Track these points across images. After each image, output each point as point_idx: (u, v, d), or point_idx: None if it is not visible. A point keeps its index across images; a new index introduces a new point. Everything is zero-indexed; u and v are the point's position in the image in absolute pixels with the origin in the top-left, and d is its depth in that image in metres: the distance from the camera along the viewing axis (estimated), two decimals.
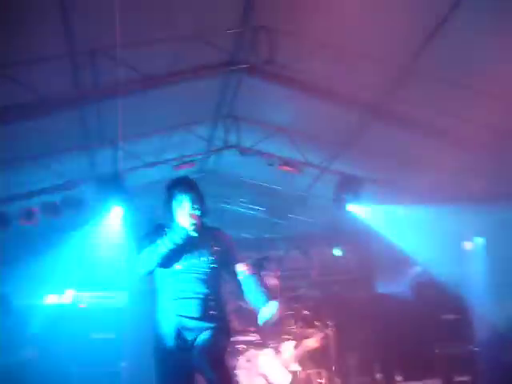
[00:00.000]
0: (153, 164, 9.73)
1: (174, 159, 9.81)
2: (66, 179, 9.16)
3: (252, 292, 4.13)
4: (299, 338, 8.32)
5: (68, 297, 9.53)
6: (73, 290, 9.30)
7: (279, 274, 9.61)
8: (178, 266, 4.01)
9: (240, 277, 4.16)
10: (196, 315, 3.92)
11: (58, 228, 9.80)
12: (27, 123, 7.51)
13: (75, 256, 9.89)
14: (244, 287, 4.15)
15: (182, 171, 9.43)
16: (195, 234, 3.95)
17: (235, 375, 7.96)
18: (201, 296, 3.97)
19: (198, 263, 4.02)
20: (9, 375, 7.42)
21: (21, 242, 9.87)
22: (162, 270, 4.05)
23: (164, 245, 3.91)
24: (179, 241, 3.92)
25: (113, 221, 9.56)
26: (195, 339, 3.89)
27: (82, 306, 8.64)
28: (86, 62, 6.90)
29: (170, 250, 3.93)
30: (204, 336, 3.88)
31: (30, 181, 8.98)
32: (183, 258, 4.03)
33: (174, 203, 4.10)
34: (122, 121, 8.10)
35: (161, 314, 4.03)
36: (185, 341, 3.90)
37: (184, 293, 3.96)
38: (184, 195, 4.08)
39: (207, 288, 4.00)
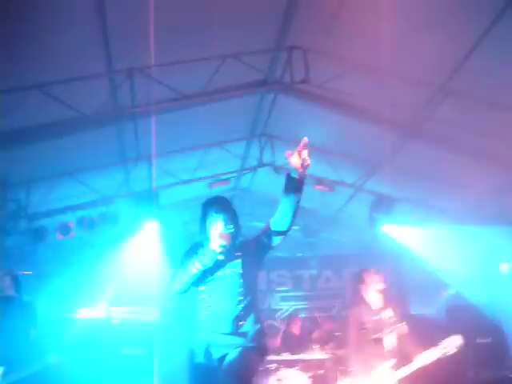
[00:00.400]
0: (187, 181, 9.81)
1: (208, 177, 9.87)
2: (102, 195, 9.31)
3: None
4: None
5: (101, 311, 9.62)
6: (106, 305, 9.39)
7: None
8: (209, 283, 4.03)
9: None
10: (227, 331, 3.91)
11: (94, 243, 9.93)
12: (66, 140, 7.68)
13: (109, 271, 9.99)
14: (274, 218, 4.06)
15: (217, 189, 9.50)
16: (222, 258, 3.95)
17: None
18: (231, 308, 3.96)
19: (228, 277, 4.03)
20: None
21: (57, 256, 10.03)
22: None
23: (194, 266, 3.93)
24: (209, 263, 3.93)
25: (147, 237, 9.65)
26: (224, 356, 3.87)
27: (115, 321, 8.69)
28: (124, 80, 7.05)
29: (201, 271, 3.95)
30: (233, 354, 3.84)
31: (67, 196, 9.15)
32: (214, 274, 4.04)
33: (208, 222, 4.11)
34: (158, 138, 8.26)
35: (194, 330, 4.04)
36: (211, 357, 3.88)
37: (215, 308, 3.97)
38: (218, 214, 4.09)
39: (237, 299, 3.99)
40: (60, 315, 8.95)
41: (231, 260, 4.06)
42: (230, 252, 4.02)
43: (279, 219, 4.00)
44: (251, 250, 4.14)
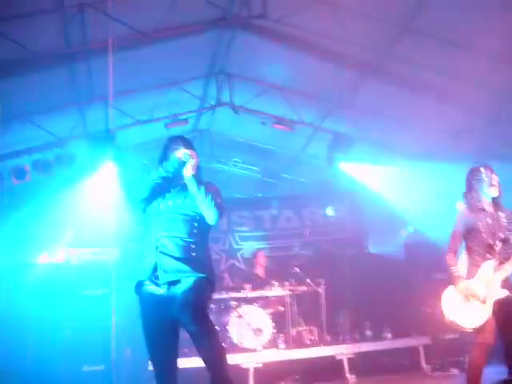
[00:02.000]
0: (145, 122, 9.63)
1: (166, 117, 9.70)
2: (57, 137, 9.08)
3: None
4: None
5: (60, 255, 9.55)
6: (65, 248, 9.30)
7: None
8: (162, 206, 4.07)
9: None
10: (175, 254, 3.92)
11: (50, 186, 9.76)
12: (16, 80, 7.41)
13: (67, 214, 9.86)
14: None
15: (175, 129, 9.36)
16: (187, 158, 4.00)
17: (226, 331, 8.06)
18: (183, 236, 3.98)
19: (182, 204, 4.06)
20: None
21: (13, 200, 9.84)
22: (151, 212, 4.09)
23: (158, 172, 4.06)
24: (171, 168, 4.04)
25: (104, 178, 9.51)
26: (173, 283, 3.87)
27: (74, 263, 8.64)
28: (75, 16, 6.78)
29: (162, 179, 4.05)
30: (185, 285, 3.85)
31: (20, 139, 8.91)
32: (170, 198, 4.09)
33: (169, 153, 4.14)
34: (113, 78, 8.04)
35: (145, 253, 4.05)
36: (157, 279, 3.89)
37: (167, 231, 3.99)
38: (180, 146, 4.14)
39: (190, 228, 4.01)
40: (18, 261, 8.85)
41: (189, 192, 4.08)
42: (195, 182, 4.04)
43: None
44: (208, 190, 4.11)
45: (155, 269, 3.92)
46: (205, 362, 3.82)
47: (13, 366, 7.54)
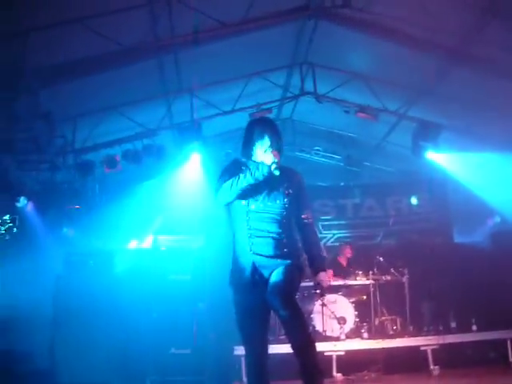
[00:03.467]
0: (229, 112, 9.81)
1: (250, 107, 9.84)
2: (145, 128, 9.41)
3: (308, 241, 4.18)
4: None
5: (148, 242, 9.90)
6: (153, 235, 9.63)
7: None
8: (252, 206, 4.07)
9: (302, 223, 4.19)
10: (270, 253, 3.99)
11: (140, 176, 10.13)
12: (107, 74, 7.74)
13: (156, 202, 10.20)
14: (302, 234, 4.20)
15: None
16: (277, 173, 3.97)
17: (310, 319, 8.14)
18: (274, 235, 4.02)
19: (272, 204, 4.07)
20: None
21: (105, 189, 10.28)
22: (238, 209, 4.12)
23: (246, 179, 3.99)
24: (261, 177, 3.98)
25: (191, 168, 9.78)
26: (270, 275, 3.95)
27: (163, 248, 8.95)
28: (163, 10, 7.00)
29: (250, 185, 4.00)
30: (276, 273, 3.93)
31: (112, 130, 9.30)
32: (258, 197, 4.08)
33: (255, 141, 4.13)
34: (199, 69, 8.26)
35: (237, 251, 4.12)
36: (261, 276, 3.97)
37: (258, 232, 4.03)
38: (266, 134, 4.11)
39: (280, 228, 4.05)
40: (110, 247, 9.22)
41: (277, 189, 4.11)
42: (279, 177, 4.03)
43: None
44: (295, 198, 4.17)
45: (255, 268, 4.00)
46: (294, 349, 3.84)
47: (103, 347, 7.89)
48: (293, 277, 4.00)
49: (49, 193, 9.02)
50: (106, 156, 9.22)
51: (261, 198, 4.09)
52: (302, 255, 4.19)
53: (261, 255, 4.00)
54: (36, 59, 6.67)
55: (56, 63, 7.02)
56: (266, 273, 3.98)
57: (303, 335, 3.87)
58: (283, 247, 4.03)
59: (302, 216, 4.20)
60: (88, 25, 6.61)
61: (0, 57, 6.33)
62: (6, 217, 6.22)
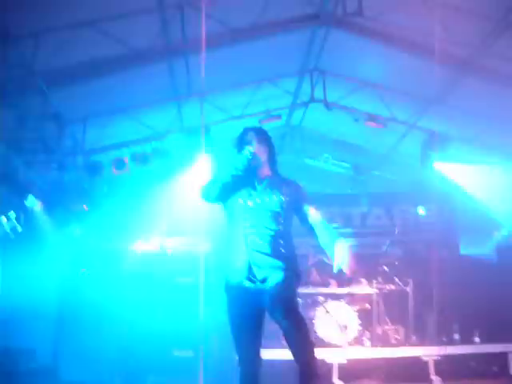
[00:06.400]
0: (239, 117, 9.85)
1: (260, 113, 9.87)
2: (155, 131, 9.47)
3: (323, 235, 4.17)
4: None
5: (155, 244, 9.93)
6: (160, 238, 9.66)
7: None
8: (249, 202, 4.12)
9: (311, 222, 4.21)
10: (266, 251, 3.99)
11: (148, 178, 10.16)
12: (118, 76, 7.80)
13: (163, 205, 10.23)
14: (316, 231, 4.20)
15: (268, 125, 9.50)
16: (250, 156, 4.09)
17: (313, 325, 8.13)
18: (272, 233, 4.04)
19: (270, 201, 4.12)
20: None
21: (113, 191, 10.34)
22: (236, 208, 4.16)
23: (226, 171, 4.12)
24: (240, 166, 4.08)
25: (199, 171, 9.81)
26: (266, 279, 3.95)
27: (169, 251, 8.99)
28: (175, 14, 7.05)
29: (233, 177, 4.10)
30: (276, 280, 3.92)
31: (121, 132, 9.36)
32: (257, 195, 4.15)
33: (244, 146, 4.21)
34: (209, 74, 8.26)
35: (232, 251, 4.12)
36: (254, 276, 3.96)
37: (256, 227, 4.05)
38: (252, 139, 4.22)
39: (278, 226, 4.08)
40: (116, 248, 9.27)
41: (275, 187, 4.19)
42: (275, 179, 4.22)
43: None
44: (295, 200, 4.22)
45: (250, 267, 4.00)
46: (294, 356, 3.85)
47: (107, 346, 7.93)
48: (293, 285, 4.05)
49: (57, 193, 9.10)
50: (115, 157, 9.29)
51: (257, 194, 4.16)
52: (298, 262, 4.19)
53: (257, 251, 4.01)
54: (47, 61, 6.74)
55: (67, 65, 7.08)
56: (260, 274, 3.97)
57: (304, 343, 3.85)
58: (279, 246, 4.05)
59: (312, 212, 4.24)
60: (99, 27, 6.67)
61: (11, 58, 6.39)
62: (12, 215, 6.25)
